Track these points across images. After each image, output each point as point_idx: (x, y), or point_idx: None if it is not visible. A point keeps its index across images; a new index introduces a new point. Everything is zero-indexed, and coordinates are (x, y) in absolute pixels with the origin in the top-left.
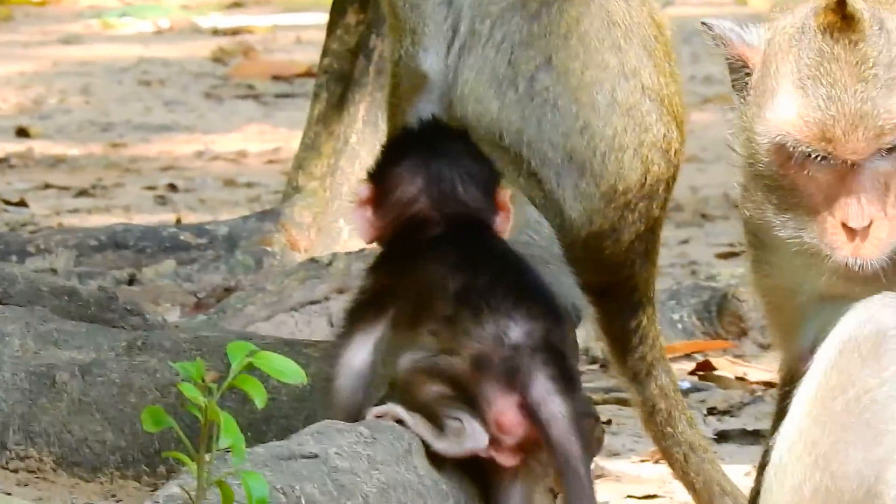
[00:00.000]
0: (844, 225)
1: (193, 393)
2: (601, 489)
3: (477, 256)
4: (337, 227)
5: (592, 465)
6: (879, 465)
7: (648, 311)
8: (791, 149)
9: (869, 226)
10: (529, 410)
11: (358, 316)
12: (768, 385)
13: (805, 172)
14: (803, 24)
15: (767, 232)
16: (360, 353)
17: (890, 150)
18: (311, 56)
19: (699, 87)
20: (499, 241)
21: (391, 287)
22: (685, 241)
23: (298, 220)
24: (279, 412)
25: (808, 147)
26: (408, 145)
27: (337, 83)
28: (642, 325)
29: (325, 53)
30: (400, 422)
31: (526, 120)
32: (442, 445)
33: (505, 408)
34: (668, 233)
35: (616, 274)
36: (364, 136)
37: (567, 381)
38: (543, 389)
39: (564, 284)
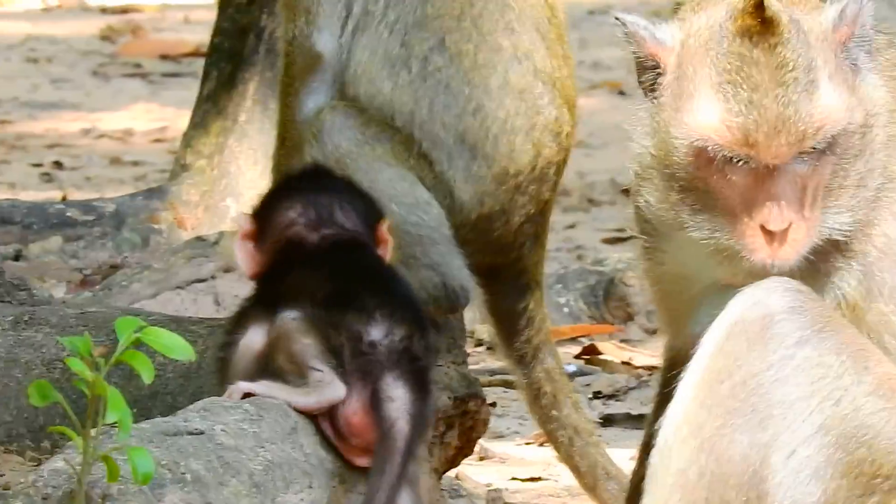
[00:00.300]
0: (763, 227)
1: (80, 367)
2: (486, 471)
3: (349, 266)
4: (224, 206)
5: (476, 447)
6: (765, 450)
7: (536, 295)
8: (712, 153)
9: (787, 228)
10: (374, 408)
11: (248, 313)
12: (654, 369)
13: (724, 176)
14: (720, 27)
15: (662, 221)
16: (255, 339)
17: (810, 154)
18: (199, 36)
19: (587, 72)
20: (372, 254)
21: (275, 293)
22: (571, 226)
23: (186, 199)
24: (165, 389)
25: (729, 152)
26: (290, 182)
27: (227, 62)
28: (529, 308)
29: (215, 32)
30: (250, 395)
31: (418, 101)
32: (300, 400)
33: (356, 408)
34: (554, 217)
35: (505, 256)
36: (253, 114)
37: (419, 384)
38: (391, 388)
39: (453, 265)
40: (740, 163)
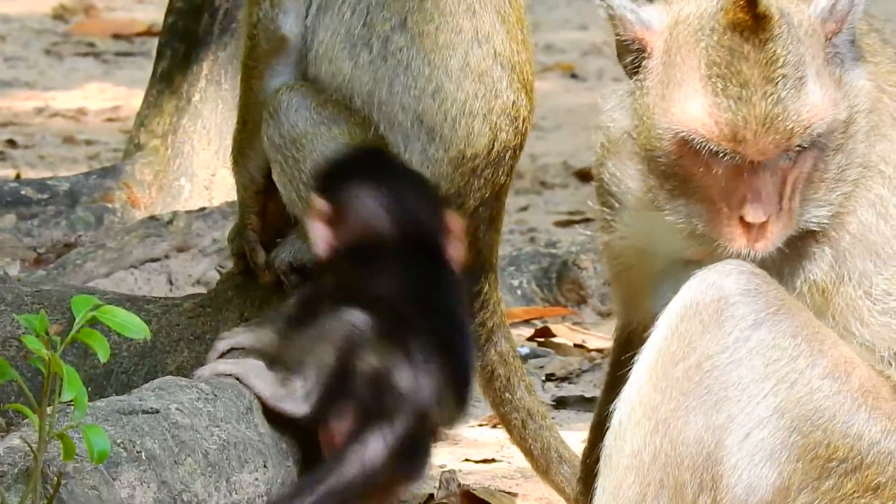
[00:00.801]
0: (741, 218)
1: (37, 345)
2: (439, 452)
3: (412, 284)
4: (178, 186)
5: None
6: (719, 432)
7: (490, 278)
8: (697, 146)
9: (766, 221)
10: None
11: (318, 306)
12: (607, 352)
13: (706, 167)
14: (710, 17)
15: (630, 194)
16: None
17: (795, 150)
18: (151, 15)
19: (539, 55)
20: (446, 275)
21: (341, 290)
22: (524, 209)
23: (139, 178)
24: (120, 368)
25: (715, 146)
26: (360, 164)
27: (181, 41)
28: (483, 291)
29: (169, 11)
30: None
31: (378, 81)
32: (263, 389)
33: (338, 434)
34: (507, 200)
35: None
36: (206, 94)
37: (407, 453)
38: (377, 444)
39: None
40: (725, 157)
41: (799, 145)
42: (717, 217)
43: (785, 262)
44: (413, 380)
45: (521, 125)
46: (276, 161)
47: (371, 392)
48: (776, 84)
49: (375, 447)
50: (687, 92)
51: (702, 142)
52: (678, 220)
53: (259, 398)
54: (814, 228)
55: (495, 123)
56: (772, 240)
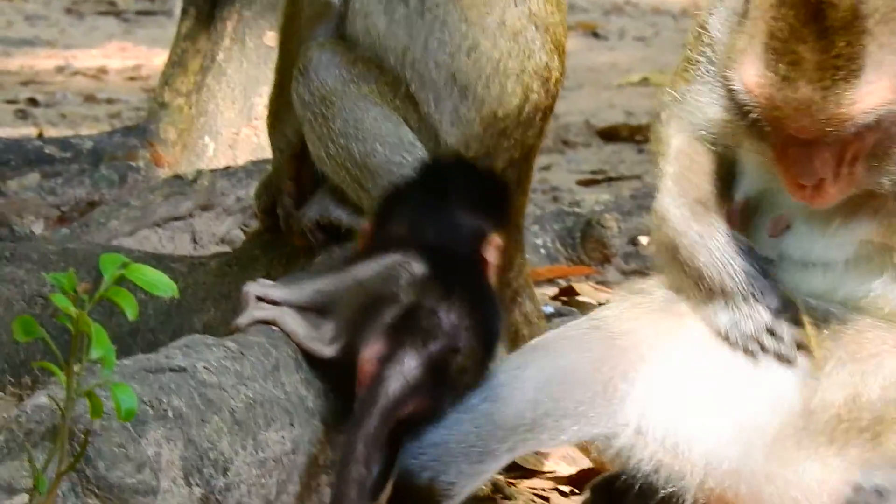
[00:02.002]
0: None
1: (65, 303)
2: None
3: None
4: (202, 144)
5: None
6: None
7: (516, 239)
8: (747, 107)
9: (819, 182)
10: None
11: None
12: None
13: (765, 124)
14: None
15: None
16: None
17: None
18: None
19: None
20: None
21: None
22: (546, 168)
23: (163, 137)
24: (146, 326)
25: (762, 114)
26: (409, 188)
27: (205, 0)
28: (510, 252)
29: None
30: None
31: (413, 38)
32: (297, 329)
33: (371, 361)
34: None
35: None
36: (231, 53)
37: (436, 373)
38: (412, 361)
39: None
40: (769, 126)
41: (840, 133)
42: (779, 165)
43: (880, 205)
44: (448, 316)
45: (552, 87)
46: (306, 119)
47: (405, 319)
48: (825, 73)
49: (411, 363)
50: (750, 54)
51: (751, 105)
52: (751, 150)
53: (293, 338)
54: (879, 191)
55: (527, 84)
56: (828, 199)
